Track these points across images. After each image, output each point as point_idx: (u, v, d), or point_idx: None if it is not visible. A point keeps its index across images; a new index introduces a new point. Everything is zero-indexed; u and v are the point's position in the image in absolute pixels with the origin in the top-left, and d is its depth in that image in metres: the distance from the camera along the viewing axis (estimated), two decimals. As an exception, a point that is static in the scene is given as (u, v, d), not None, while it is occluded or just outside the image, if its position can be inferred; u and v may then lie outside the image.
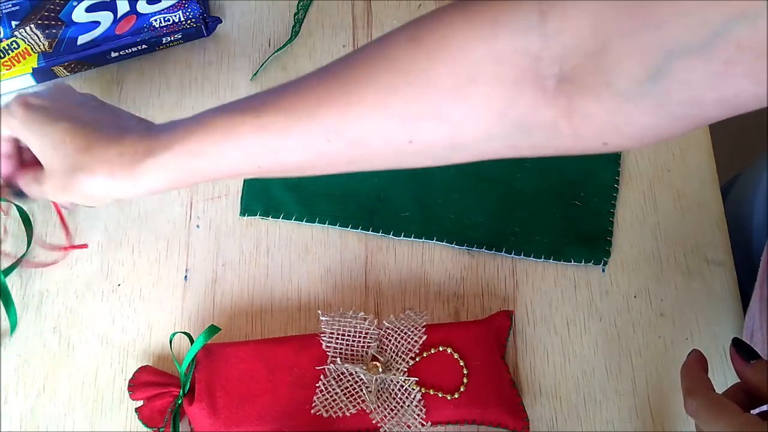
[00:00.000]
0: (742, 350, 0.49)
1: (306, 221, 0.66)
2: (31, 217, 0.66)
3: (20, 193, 0.58)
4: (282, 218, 0.67)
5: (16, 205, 0.66)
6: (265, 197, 0.67)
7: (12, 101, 0.55)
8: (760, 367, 0.48)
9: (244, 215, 0.67)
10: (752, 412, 0.47)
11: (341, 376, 0.60)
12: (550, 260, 0.66)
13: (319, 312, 0.62)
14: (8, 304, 0.63)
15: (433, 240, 0.66)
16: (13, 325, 0.63)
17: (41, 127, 0.53)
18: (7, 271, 0.63)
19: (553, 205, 0.67)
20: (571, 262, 0.65)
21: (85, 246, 0.66)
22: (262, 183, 0.67)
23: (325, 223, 0.66)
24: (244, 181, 0.68)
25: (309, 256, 0.66)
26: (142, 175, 0.51)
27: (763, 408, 0.48)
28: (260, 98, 0.50)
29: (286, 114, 0.48)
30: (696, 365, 0.50)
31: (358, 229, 0.66)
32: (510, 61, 0.42)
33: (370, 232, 0.66)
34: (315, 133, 0.47)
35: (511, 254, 0.66)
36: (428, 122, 0.45)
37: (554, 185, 0.67)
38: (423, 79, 0.44)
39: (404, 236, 0.66)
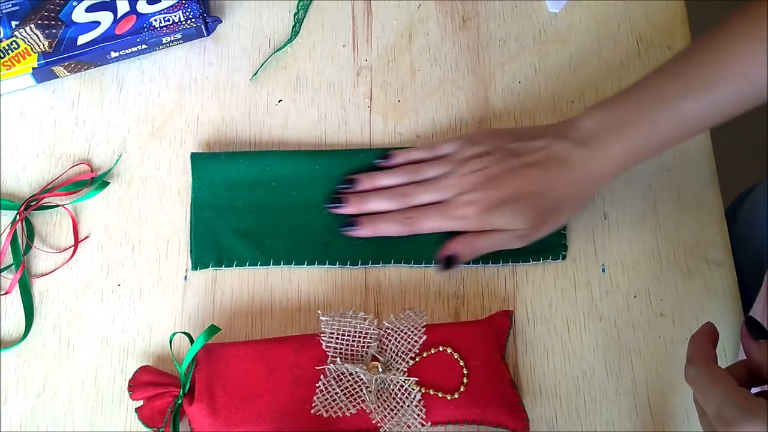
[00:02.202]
0: (753, 328, 0.50)
1: (260, 265, 0.65)
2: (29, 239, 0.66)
3: (454, 262, 0.63)
4: (235, 266, 0.65)
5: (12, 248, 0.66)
6: (215, 247, 0.65)
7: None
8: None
9: (197, 269, 0.65)
10: (752, 390, 0.47)
11: (341, 376, 0.60)
12: (509, 263, 0.65)
13: (319, 312, 0.62)
14: (29, 313, 0.63)
15: (390, 263, 0.65)
16: (25, 334, 0.63)
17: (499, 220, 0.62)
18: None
19: None
20: (530, 262, 0.65)
21: (86, 237, 0.66)
22: (210, 232, 0.65)
23: (279, 264, 0.65)
24: (192, 233, 0.66)
25: (309, 256, 0.66)
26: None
27: (764, 388, 0.49)
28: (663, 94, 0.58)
29: (726, 82, 0.56)
30: (704, 336, 0.52)
31: (314, 264, 0.65)
32: None
33: (326, 266, 0.65)
34: (756, 91, 0.57)
35: (468, 264, 0.65)
36: None
37: None
38: None
39: (361, 264, 0.65)
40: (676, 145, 0.60)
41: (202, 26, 0.72)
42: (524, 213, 0.61)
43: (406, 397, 0.59)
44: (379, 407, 0.59)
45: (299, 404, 0.59)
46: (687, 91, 0.57)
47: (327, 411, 0.58)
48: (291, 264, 0.65)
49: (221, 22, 0.73)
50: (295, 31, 0.74)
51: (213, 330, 0.59)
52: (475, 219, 0.62)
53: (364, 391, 0.59)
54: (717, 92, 0.57)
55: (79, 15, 0.70)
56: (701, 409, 0.49)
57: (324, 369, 0.60)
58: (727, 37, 0.57)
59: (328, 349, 0.60)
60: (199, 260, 0.65)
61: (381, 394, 0.59)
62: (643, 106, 0.59)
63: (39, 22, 0.69)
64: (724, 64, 0.56)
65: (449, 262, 0.63)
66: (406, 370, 0.60)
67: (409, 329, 0.61)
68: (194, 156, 0.68)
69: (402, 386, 0.59)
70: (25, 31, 0.69)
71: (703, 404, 0.48)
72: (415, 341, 0.61)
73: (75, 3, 0.70)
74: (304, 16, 0.75)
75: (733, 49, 0.56)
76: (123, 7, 0.70)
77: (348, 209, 0.65)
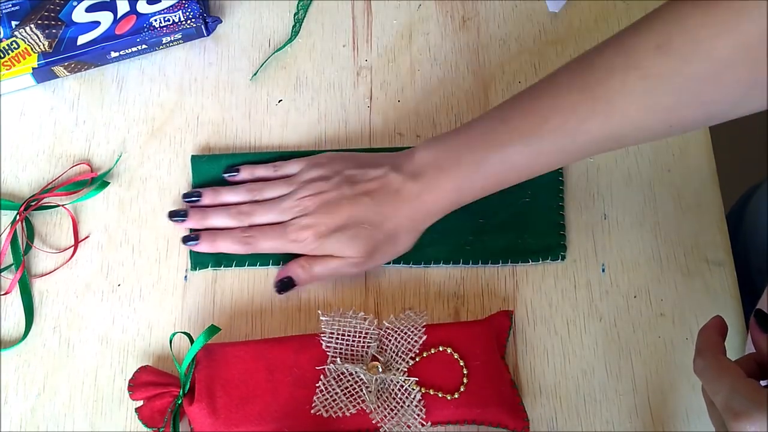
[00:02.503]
0: (762, 321, 0.51)
1: (260, 265, 0.65)
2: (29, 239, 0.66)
3: (289, 285, 0.63)
4: (235, 266, 0.65)
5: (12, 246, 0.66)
6: None
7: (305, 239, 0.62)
8: None
9: (196, 269, 0.65)
10: (762, 383, 0.48)
11: (341, 376, 0.60)
12: (508, 263, 0.65)
13: (319, 312, 0.62)
14: (29, 313, 0.63)
15: (390, 264, 0.65)
16: (25, 334, 0.63)
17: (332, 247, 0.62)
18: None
19: (502, 207, 0.66)
20: (530, 262, 0.65)
21: (86, 237, 0.66)
22: None
23: (279, 264, 0.65)
24: None
25: (309, 256, 0.66)
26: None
27: None
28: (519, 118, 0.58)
29: (552, 134, 0.56)
30: (713, 329, 0.52)
31: None
32: (758, 42, 0.49)
33: None
34: (582, 144, 0.56)
35: (468, 264, 0.65)
36: (689, 109, 0.53)
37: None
38: (680, 79, 0.52)
39: None
40: (506, 186, 0.61)
41: (202, 26, 0.72)
42: (357, 241, 0.61)
43: (406, 397, 0.59)
44: (379, 407, 0.59)
45: (299, 404, 0.59)
46: (513, 139, 0.58)
47: (327, 411, 0.58)
48: None
49: (221, 22, 0.73)
50: (295, 31, 0.74)
51: (213, 330, 0.59)
52: (310, 244, 0.62)
53: (364, 391, 0.59)
54: (541, 143, 0.57)
55: (79, 15, 0.70)
56: (710, 401, 0.49)
57: (324, 369, 0.60)
58: (554, 89, 0.57)
59: (328, 349, 0.60)
60: (198, 260, 0.65)
61: (381, 394, 0.59)
62: (473, 148, 0.59)
63: (39, 22, 0.69)
64: (549, 115, 0.56)
65: (285, 285, 0.63)
66: (406, 370, 0.60)
67: (409, 329, 0.61)
68: (194, 158, 0.68)
69: (402, 386, 0.59)
70: (25, 31, 0.69)
71: (711, 396, 0.48)
72: (415, 341, 0.61)
73: (75, 3, 0.70)
74: (304, 16, 0.75)
75: (557, 102, 0.56)
76: (123, 7, 0.70)
77: (189, 223, 0.65)
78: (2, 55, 0.69)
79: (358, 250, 0.62)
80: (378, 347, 0.61)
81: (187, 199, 0.66)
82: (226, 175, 0.67)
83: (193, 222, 0.65)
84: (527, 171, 0.60)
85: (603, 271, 0.65)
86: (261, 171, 0.67)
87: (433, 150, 0.61)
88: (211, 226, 0.65)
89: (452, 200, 0.61)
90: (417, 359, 0.60)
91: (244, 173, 0.67)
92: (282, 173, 0.66)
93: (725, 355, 0.50)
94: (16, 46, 0.69)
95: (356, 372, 0.59)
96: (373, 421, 0.58)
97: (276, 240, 0.63)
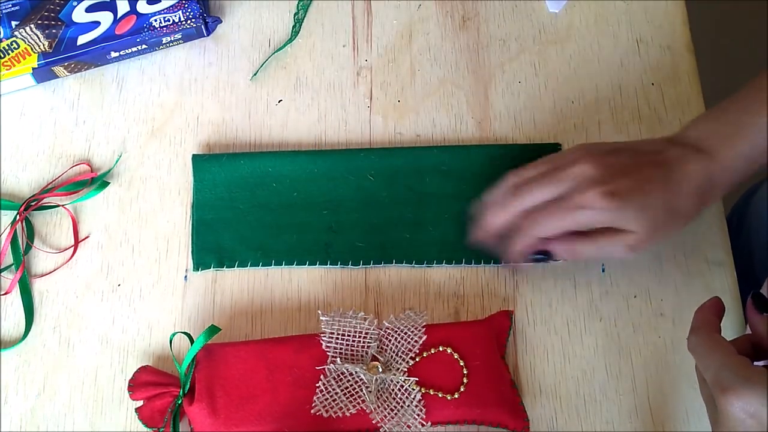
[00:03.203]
0: (758, 302, 0.52)
1: (262, 265, 0.65)
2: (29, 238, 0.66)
3: (544, 259, 0.62)
4: (237, 266, 0.65)
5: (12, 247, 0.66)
6: (216, 248, 0.65)
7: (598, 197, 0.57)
8: None
9: (198, 270, 0.65)
10: (756, 363, 0.48)
11: (341, 376, 0.60)
12: (510, 263, 0.65)
13: (319, 312, 0.62)
14: (29, 313, 0.63)
15: (392, 263, 0.65)
16: (26, 334, 0.63)
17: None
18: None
19: None
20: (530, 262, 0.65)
21: (87, 237, 0.66)
22: (212, 233, 0.66)
23: (281, 264, 0.65)
24: (193, 234, 0.66)
25: (309, 256, 0.66)
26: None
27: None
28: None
29: None
30: (710, 308, 0.53)
31: (315, 264, 0.65)
32: None
33: (327, 266, 0.65)
34: None
35: (468, 264, 0.65)
36: None
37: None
38: None
39: (362, 264, 0.65)
40: None
41: (202, 26, 0.72)
42: (647, 212, 0.57)
43: (406, 397, 0.59)
44: (379, 407, 0.59)
45: (299, 404, 0.59)
46: None
47: (327, 411, 0.58)
48: (292, 264, 0.65)
49: (221, 22, 0.73)
50: (295, 31, 0.74)
51: (213, 330, 0.59)
52: (603, 204, 0.57)
53: (364, 391, 0.59)
54: None
55: (79, 15, 0.70)
56: (701, 377, 0.50)
57: (324, 369, 0.60)
58: None
59: (328, 349, 0.60)
60: (200, 261, 0.65)
61: (381, 394, 0.59)
62: (754, 113, 0.59)
63: (39, 22, 0.69)
64: None
65: (539, 260, 0.62)
66: (406, 370, 0.60)
67: (409, 329, 0.61)
68: (195, 157, 0.68)
69: (402, 386, 0.59)
70: (25, 31, 0.69)
71: (702, 372, 0.49)
72: (415, 341, 0.61)
73: (75, 3, 0.70)
74: (304, 16, 0.75)
75: None
76: (123, 7, 0.70)
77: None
78: (2, 55, 0.69)
79: (645, 221, 0.57)
80: (378, 347, 0.61)
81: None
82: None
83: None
84: None
85: (603, 271, 0.65)
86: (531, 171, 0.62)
87: (710, 124, 0.60)
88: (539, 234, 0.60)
89: (741, 169, 0.59)
90: (417, 359, 0.60)
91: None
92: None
93: (719, 334, 0.50)
94: (16, 46, 0.69)
95: (356, 372, 0.59)
96: (373, 421, 0.58)
97: (558, 214, 0.58)
